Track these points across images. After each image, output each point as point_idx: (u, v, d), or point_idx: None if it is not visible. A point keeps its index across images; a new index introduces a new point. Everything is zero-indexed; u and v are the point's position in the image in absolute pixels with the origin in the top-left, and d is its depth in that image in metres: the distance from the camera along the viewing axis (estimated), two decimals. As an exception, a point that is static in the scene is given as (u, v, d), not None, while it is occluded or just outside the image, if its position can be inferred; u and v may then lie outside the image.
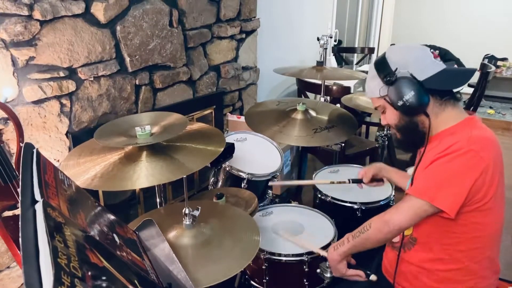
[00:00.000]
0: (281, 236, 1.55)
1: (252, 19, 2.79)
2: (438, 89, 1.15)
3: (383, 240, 1.22)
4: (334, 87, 3.01)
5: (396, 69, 1.15)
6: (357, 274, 1.27)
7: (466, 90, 4.30)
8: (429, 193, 1.10)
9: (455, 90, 1.20)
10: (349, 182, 1.64)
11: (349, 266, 1.29)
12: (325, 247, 1.44)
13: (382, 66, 1.19)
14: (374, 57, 4.77)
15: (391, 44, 1.32)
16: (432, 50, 1.18)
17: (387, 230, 1.15)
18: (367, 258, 1.34)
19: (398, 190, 1.75)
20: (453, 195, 1.08)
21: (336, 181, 1.71)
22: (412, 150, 1.35)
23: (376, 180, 1.61)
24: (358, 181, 1.62)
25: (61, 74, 1.66)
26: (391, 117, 1.24)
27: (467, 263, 1.17)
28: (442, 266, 1.18)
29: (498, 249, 1.22)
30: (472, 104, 3.43)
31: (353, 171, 2.02)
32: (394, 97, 1.16)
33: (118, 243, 0.87)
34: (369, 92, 1.28)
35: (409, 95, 1.13)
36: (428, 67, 1.15)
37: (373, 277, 1.25)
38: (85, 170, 1.21)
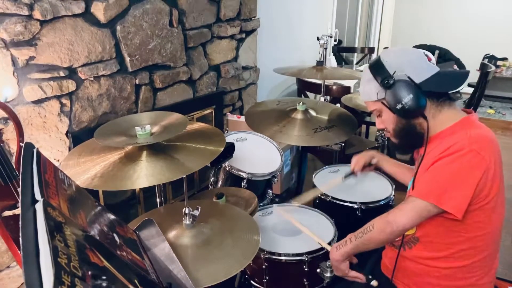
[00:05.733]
0: (288, 218, 1.55)
1: (252, 18, 2.79)
2: (435, 91, 1.16)
3: (386, 241, 1.22)
4: (334, 87, 3.01)
5: (394, 72, 1.15)
6: (358, 277, 1.27)
7: (466, 90, 4.32)
8: (434, 195, 1.10)
9: (452, 91, 1.20)
10: (343, 180, 1.65)
11: (351, 265, 1.29)
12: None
13: (378, 69, 1.19)
14: (374, 57, 4.77)
15: (384, 48, 1.33)
16: (426, 53, 1.19)
17: (390, 230, 1.15)
18: (365, 256, 1.34)
19: (398, 190, 1.75)
20: (459, 197, 1.08)
21: (329, 188, 1.72)
22: (410, 152, 1.36)
23: (367, 165, 1.62)
24: (351, 175, 1.63)
25: (61, 73, 1.66)
26: (387, 120, 1.24)
27: (469, 260, 1.17)
28: (444, 263, 1.19)
29: (498, 246, 1.23)
30: (472, 104, 3.44)
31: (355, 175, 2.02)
32: (392, 100, 1.16)
33: (118, 243, 0.87)
34: (365, 96, 1.27)
35: (408, 98, 1.13)
36: (424, 70, 1.16)
37: (374, 283, 1.24)
38: (85, 170, 1.21)
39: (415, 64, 1.17)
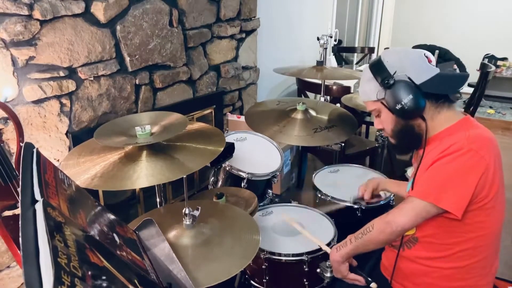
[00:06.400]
0: (288, 222, 1.56)
1: (252, 18, 2.79)
2: (434, 93, 1.16)
3: (386, 241, 1.22)
4: (334, 87, 3.01)
5: (395, 72, 1.15)
6: (357, 280, 1.27)
7: (466, 90, 4.32)
8: (434, 194, 1.10)
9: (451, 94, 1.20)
10: (352, 203, 1.66)
11: (351, 267, 1.29)
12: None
13: (379, 69, 1.19)
14: (374, 57, 4.77)
15: (385, 48, 1.33)
16: (426, 55, 1.19)
17: (390, 231, 1.15)
18: (364, 257, 1.34)
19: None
20: (458, 196, 1.08)
21: (335, 209, 1.72)
22: (408, 153, 1.36)
23: (376, 196, 1.64)
24: (360, 200, 1.65)
25: (61, 73, 1.66)
26: (386, 120, 1.24)
27: (468, 261, 1.17)
28: (444, 264, 1.19)
29: (498, 247, 1.23)
30: (472, 104, 3.43)
31: (353, 171, 2.02)
32: (391, 101, 1.16)
33: (118, 243, 0.87)
34: (364, 96, 1.27)
35: (407, 98, 1.13)
36: (424, 71, 1.16)
37: (373, 285, 1.24)
38: (85, 170, 1.21)
39: (416, 65, 1.17)
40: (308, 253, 1.44)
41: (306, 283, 1.47)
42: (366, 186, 1.62)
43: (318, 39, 2.41)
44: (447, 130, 1.17)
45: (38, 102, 1.62)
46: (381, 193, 1.66)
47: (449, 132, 1.16)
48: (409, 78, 1.14)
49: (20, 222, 0.59)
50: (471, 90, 3.52)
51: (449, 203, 1.08)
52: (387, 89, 1.16)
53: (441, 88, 1.16)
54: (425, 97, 1.15)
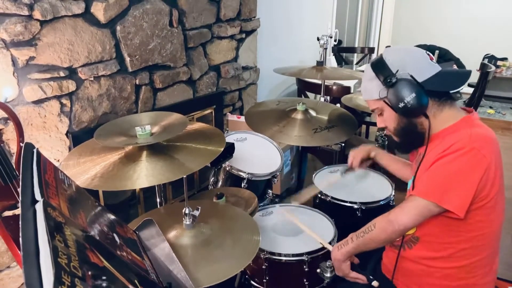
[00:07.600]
0: (289, 218, 1.57)
1: (252, 19, 2.79)
2: (437, 90, 1.15)
3: (387, 240, 1.22)
4: (334, 87, 3.01)
5: (397, 70, 1.15)
6: (359, 278, 1.27)
7: (466, 90, 4.32)
8: (436, 194, 1.09)
9: (454, 90, 1.20)
10: (342, 176, 1.68)
11: (352, 266, 1.29)
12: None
13: (381, 67, 1.19)
14: (374, 57, 4.76)
15: (387, 46, 1.33)
16: (427, 53, 1.19)
17: (392, 229, 1.15)
18: (365, 257, 1.34)
19: (398, 189, 1.75)
20: (460, 196, 1.08)
21: (328, 186, 1.74)
22: (410, 151, 1.36)
23: (365, 161, 1.65)
24: (349, 170, 1.66)
25: (61, 74, 1.66)
26: (389, 119, 1.23)
27: (469, 260, 1.17)
28: (444, 264, 1.19)
29: (498, 245, 1.23)
30: (472, 104, 3.43)
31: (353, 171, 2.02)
32: (394, 99, 1.16)
33: (118, 243, 0.87)
34: (366, 94, 1.26)
35: (410, 96, 1.13)
36: (426, 69, 1.15)
37: (375, 283, 1.24)
38: (85, 170, 1.21)
39: (418, 62, 1.17)
40: (308, 253, 1.44)
41: (306, 283, 1.47)
42: (355, 154, 1.63)
43: (318, 39, 2.41)
44: (449, 128, 1.17)
45: (38, 102, 1.62)
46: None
47: (452, 130, 1.16)
48: (411, 76, 1.14)
49: (20, 222, 0.59)
50: (471, 90, 3.52)
51: (452, 203, 1.08)
52: (390, 88, 1.16)
53: (444, 86, 1.16)
54: (428, 95, 1.15)
